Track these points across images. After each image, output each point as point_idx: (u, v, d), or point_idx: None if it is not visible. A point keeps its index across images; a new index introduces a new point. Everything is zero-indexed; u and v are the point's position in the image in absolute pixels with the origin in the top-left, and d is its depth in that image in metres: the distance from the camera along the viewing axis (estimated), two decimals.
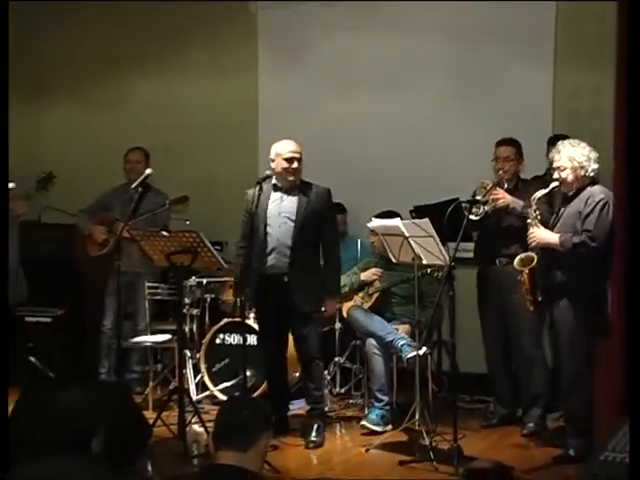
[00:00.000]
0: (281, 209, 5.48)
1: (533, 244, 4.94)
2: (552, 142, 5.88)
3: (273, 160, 5.45)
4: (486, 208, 5.36)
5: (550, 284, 4.94)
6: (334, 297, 5.65)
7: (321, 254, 5.60)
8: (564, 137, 5.44)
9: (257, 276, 5.45)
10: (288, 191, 5.50)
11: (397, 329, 5.81)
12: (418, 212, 6.08)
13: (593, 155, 4.88)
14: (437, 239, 5.09)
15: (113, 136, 7.34)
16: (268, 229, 5.45)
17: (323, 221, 5.53)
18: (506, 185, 5.45)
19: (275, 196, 5.50)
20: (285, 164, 5.40)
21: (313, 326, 5.58)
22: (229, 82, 7.59)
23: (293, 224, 5.43)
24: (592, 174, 4.89)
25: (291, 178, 5.44)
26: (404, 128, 6.98)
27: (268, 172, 5.45)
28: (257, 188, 5.33)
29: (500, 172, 5.48)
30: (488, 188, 5.32)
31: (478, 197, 5.31)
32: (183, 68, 7.72)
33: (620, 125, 4.17)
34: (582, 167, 4.87)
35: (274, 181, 5.49)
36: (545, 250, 4.92)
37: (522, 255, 4.96)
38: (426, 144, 6.90)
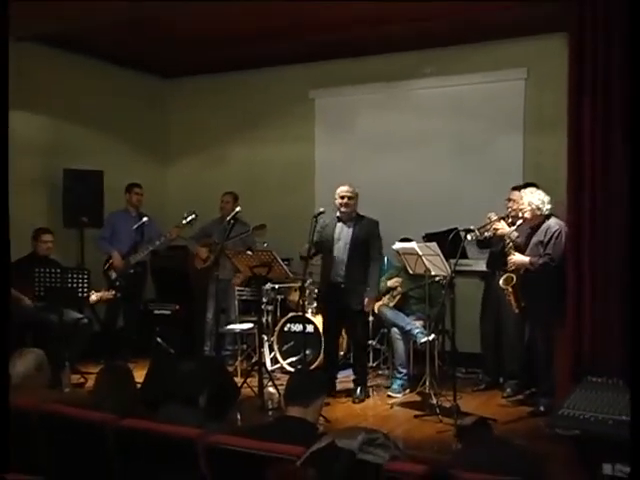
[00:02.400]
0: (341, 235, 5.51)
1: (512, 267, 4.92)
2: (526, 187, 5.84)
3: (335, 199, 5.50)
4: (486, 234, 5.31)
5: (527, 292, 4.91)
6: (373, 297, 5.60)
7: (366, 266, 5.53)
8: (533, 184, 5.40)
9: (328, 283, 5.52)
10: (346, 222, 5.51)
11: (415, 322, 5.80)
12: (428, 237, 6.04)
13: (546, 199, 4.87)
14: (442, 257, 5.08)
15: (216, 184, 7.40)
16: (334, 249, 5.49)
17: (370, 243, 5.49)
18: (510, 220, 5.24)
19: (339, 225, 5.53)
20: (339, 200, 5.46)
21: (361, 320, 5.59)
22: (294, 148, 7.65)
23: (348, 246, 5.46)
24: (547, 212, 4.88)
25: (343, 210, 5.47)
26: (419, 179, 6.95)
27: (322, 209, 5.44)
28: (323, 220, 5.45)
29: (508, 209, 5.32)
30: (492, 220, 5.22)
31: (472, 226, 5.24)
32: (263, 138, 7.81)
33: (571, 175, 4.16)
34: (538, 208, 4.86)
35: (338, 214, 5.51)
36: (525, 271, 4.89)
37: (505, 276, 4.93)
38: (434, 190, 6.86)
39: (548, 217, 4.89)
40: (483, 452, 2.57)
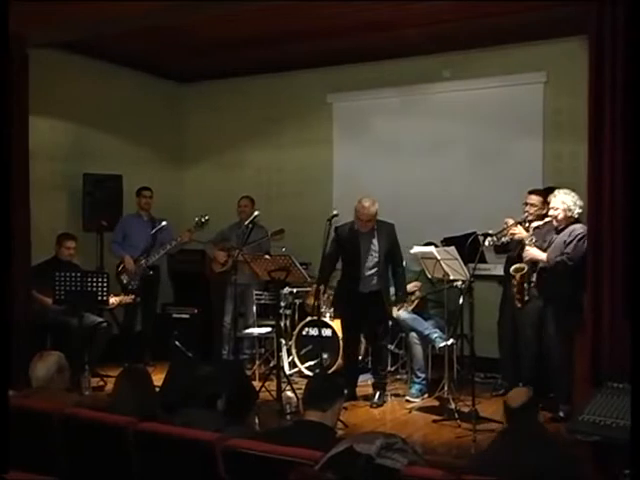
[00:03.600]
0: (361, 241, 5.45)
1: (527, 259, 4.91)
2: (546, 191, 5.79)
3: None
4: (503, 239, 5.27)
5: (543, 294, 4.87)
6: (402, 303, 5.61)
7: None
8: (555, 188, 5.35)
9: (351, 293, 5.46)
10: (366, 230, 5.44)
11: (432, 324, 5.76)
12: (447, 242, 6.01)
13: (579, 202, 4.84)
14: (460, 261, 5.06)
15: (233, 188, 7.42)
16: (353, 254, 5.43)
17: (392, 249, 5.48)
18: (527, 224, 5.18)
19: (361, 235, 5.47)
20: (357, 219, 5.41)
21: (384, 326, 5.56)
22: (312, 151, 7.64)
23: (377, 256, 5.42)
24: (576, 215, 4.86)
25: (360, 227, 5.42)
26: (437, 183, 6.90)
27: (335, 212, 5.39)
28: (348, 227, 5.44)
29: (525, 214, 5.27)
30: (508, 225, 5.18)
31: (490, 231, 5.21)
32: (280, 142, 7.81)
33: (590, 179, 4.12)
34: (570, 209, 4.84)
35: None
36: (541, 269, 4.86)
37: (516, 265, 4.92)
38: (452, 194, 6.81)
39: (576, 221, 4.87)
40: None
